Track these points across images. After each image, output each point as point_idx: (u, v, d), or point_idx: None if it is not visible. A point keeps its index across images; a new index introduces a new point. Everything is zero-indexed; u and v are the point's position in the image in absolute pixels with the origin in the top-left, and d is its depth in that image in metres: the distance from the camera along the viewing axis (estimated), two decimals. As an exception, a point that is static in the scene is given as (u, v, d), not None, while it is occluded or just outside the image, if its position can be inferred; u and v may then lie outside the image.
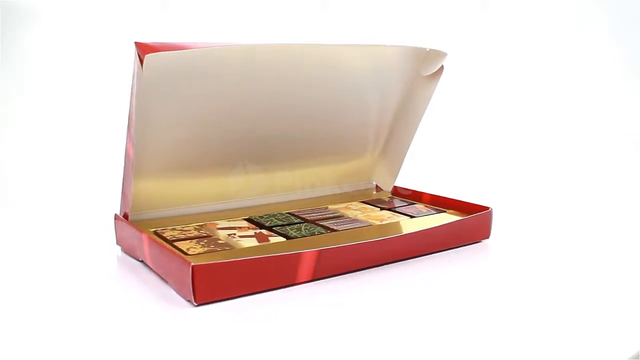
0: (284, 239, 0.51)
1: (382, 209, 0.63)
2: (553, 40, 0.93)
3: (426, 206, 0.63)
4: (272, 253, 0.44)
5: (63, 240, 0.58)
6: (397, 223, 0.57)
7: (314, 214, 0.59)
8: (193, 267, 0.40)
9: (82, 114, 0.85)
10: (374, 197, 0.68)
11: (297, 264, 0.45)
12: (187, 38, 0.70)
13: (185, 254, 0.46)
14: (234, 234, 0.52)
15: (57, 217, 0.68)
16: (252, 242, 0.49)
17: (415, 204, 0.65)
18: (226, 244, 0.49)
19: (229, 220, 0.57)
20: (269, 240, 0.50)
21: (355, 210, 0.62)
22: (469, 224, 0.55)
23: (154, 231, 0.52)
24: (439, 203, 0.64)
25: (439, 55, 0.60)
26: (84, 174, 0.82)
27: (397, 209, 0.62)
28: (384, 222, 0.57)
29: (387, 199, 0.67)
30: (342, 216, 0.59)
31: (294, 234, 0.52)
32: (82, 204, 0.73)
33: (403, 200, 0.67)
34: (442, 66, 0.62)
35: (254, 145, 0.60)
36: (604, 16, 0.94)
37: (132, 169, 0.50)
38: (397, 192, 0.70)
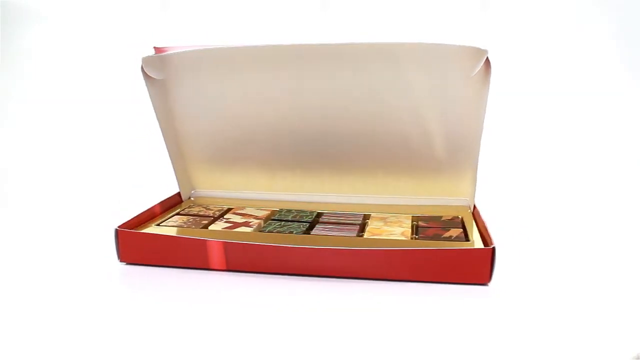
0: (249, 230, 0.53)
1: (413, 225, 0.55)
2: (554, 40, 0.90)
3: (462, 232, 0.53)
4: (192, 236, 0.49)
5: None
6: (379, 240, 0.50)
7: (335, 218, 0.58)
8: (116, 230, 0.49)
9: (82, 114, 0.87)
10: (430, 214, 0.60)
11: (204, 250, 0.48)
12: (187, 38, 0.74)
13: (159, 225, 0.55)
14: (228, 219, 0.57)
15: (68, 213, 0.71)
16: (219, 227, 0.54)
17: (459, 228, 0.54)
18: (203, 225, 0.55)
19: (257, 209, 0.62)
20: (233, 229, 0.54)
21: (381, 222, 0.57)
22: (439, 258, 0.45)
23: (189, 206, 0.63)
24: (482, 231, 0.52)
25: (479, 53, 0.49)
26: (83, 172, 0.84)
27: (422, 229, 0.54)
28: (373, 237, 0.51)
29: (446, 218, 0.58)
30: (356, 224, 0.56)
31: (271, 228, 0.54)
32: (83, 201, 0.76)
33: (460, 222, 0.56)
34: (489, 65, 0.50)
35: (312, 145, 0.62)
36: (605, 16, 0.90)
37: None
38: (474, 211, 0.59)
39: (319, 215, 0.59)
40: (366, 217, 0.58)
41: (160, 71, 0.57)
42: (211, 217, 0.58)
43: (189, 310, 0.41)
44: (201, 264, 0.48)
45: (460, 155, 0.58)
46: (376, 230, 0.54)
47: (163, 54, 0.55)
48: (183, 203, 0.65)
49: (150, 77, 0.56)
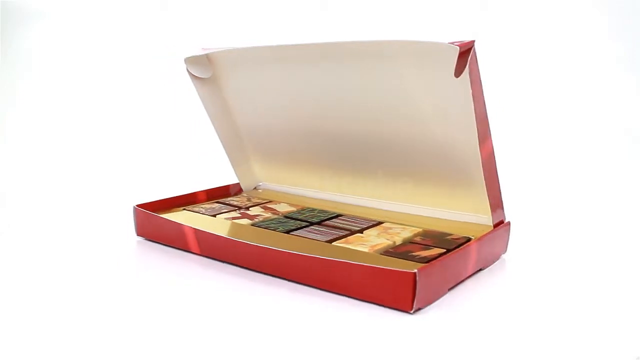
0: (246, 222, 0.56)
1: (405, 239, 0.51)
2: (553, 40, 0.89)
3: (438, 254, 0.46)
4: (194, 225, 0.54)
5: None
6: (333, 247, 0.48)
7: (342, 222, 0.56)
8: (134, 208, 0.58)
9: (83, 113, 0.85)
10: (446, 230, 0.53)
11: (182, 233, 0.53)
12: (187, 37, 0.69)
13: (184, 209, 0.62)
14: (245, 211, 0.61)
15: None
16: (224, 216, 0.58)
17: (441, 249, 0.47)
18: (218, 213, 0.60)
19: (289, 205, 0.64)
20: (234, 219, 0.57)
21: (377, 231, 0.53)
22: (358, 274, 0.41)
23: (237, 196, 0.68)
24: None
25: (451, 49, 0.43)
26: (83, 170, 0.86)
27: (407, 244, 0.49)
28: (340, 244, 0.49)
29: (454, 237, 0.51)
30: (349, 230, 0.54)
31: (262, 223, 0.56)
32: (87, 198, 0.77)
33: (459, 244, 0.49)
34: (465, 63, 0.43)
35: (343, 146, 0.61)
36: (604, 16, 0.88)
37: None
38: (492, 231, 0.51)
39: (333, 217, 0.59)
40: (373, 225, 0.55)
41: (206, 69, 0.63)
42: (236, 207, 0.63)
43: (151, 284, 0.46)
44: (184, 246, 0.54)
45: (464, 166, 0.51)
46: (356, 238, 0.51)
47: (209, 51, 0.61)
48: (243, 193, 0.71)
49: (196, 76, 0.63)
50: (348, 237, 0.51)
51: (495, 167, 0.50)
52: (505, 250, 0.53)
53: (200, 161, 0.88)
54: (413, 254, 0.46)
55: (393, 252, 0.47)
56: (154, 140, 1.01)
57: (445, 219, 0.56)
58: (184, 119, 0.93)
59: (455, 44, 0.43)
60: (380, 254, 0.47)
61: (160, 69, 0.84)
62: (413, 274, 0.39)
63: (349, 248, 0.48)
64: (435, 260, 0.42)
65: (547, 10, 0.88)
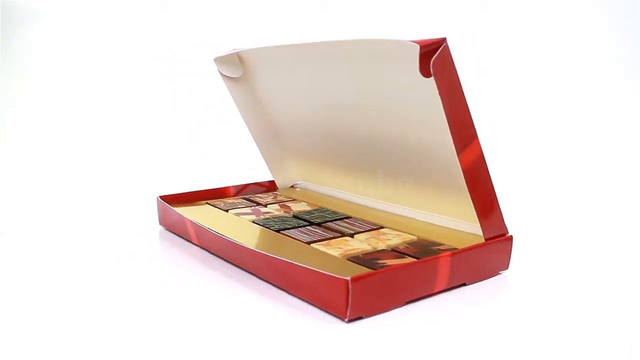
0: (251, 218, 0.58)
1: (393, 249, 0.48)
2: (553, 40, 0.88)
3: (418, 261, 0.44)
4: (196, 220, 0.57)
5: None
6: (311, 250, 0.48)
7: (342, 225, 0.56)
8: (157, 198, 0.62)
9: (84, 113, 0.82)
10: (439, 240, 0.50)
11: (184, 225, 0.56)
12: (186, 37, 0.65)
13: (207, 203, 0.65)
14: (258, 208, 0.62)
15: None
16: (235, 212, 0.61)
17: (413, 259, 0.45)
18: (230, 208, 0.62)
19: (308, 204, 0.64)
20: (240, 215, 0.59)
21: (365, 236, 0.52)
22: (303, 277, 0.41)
23: (263, 194, 0.70)
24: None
25: (409, 46, 0.40)
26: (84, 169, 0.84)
27: (383, 252, 0.47)
28: (317, 246, 0.49)
29: (443, 247, 0.48)
30: (341, 232, 0.53)
31: (259, 220, 0.57)
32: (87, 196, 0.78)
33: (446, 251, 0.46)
34: (429, 61, 0.40)
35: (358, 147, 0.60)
36: (604, 16, 0.87)
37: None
38: (484, 243, 0.47)
39: (338, 219, 0.58)
40: (370, 230, 0.54)
41: (237, 68, 0.65)
42: (254, 203, 0.65)
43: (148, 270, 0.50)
44: (187, 237, 0.57)
45: (457, 173, 0.47)
46: (339, 242, 0.50)
47: (239, 50, 0.63)
48: (279, 190, 0.72)
49: (227, 76, 0.66)
50: (330, 240, 0.51)
51: (487, 175, 0.46)
52: (507, 267, 0.49)
53: (254, 158, 0.91)
54: (378, 261, 0.45)
55: (361, 258, 0.46)
56: (154, 139, 1.02)
57: (449, 228, 0.53)
58: (183, 118, 0.96)
59: (417, 42, 0.40)
60: (348, 259, 0.46)
61: (160, 69, 0.86)
62: (346, 281, 0.38)
63: (320, 250, 0.48)
64: (377, 270, 0.40)
65: (548, 10, 0.86)
